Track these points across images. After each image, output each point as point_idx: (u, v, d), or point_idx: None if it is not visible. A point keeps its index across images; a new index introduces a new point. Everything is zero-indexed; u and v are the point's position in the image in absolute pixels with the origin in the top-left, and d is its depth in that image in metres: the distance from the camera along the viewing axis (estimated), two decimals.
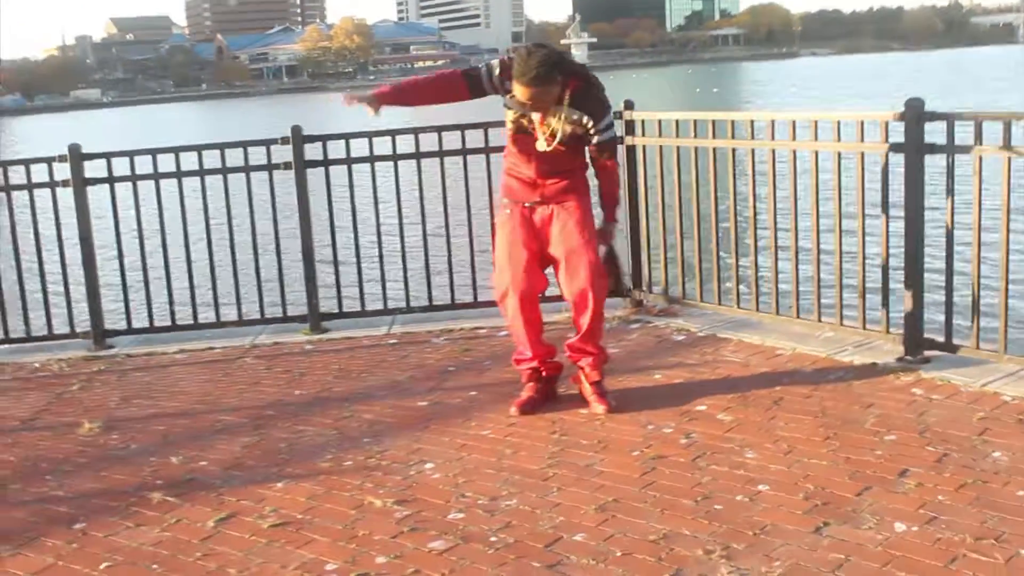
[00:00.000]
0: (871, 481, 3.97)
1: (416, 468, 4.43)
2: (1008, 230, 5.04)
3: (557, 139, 4.84)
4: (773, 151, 5.94)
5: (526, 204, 5.00)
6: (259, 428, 5.08)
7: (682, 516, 3.79)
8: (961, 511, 3.68)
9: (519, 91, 4.74)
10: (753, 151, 6.09)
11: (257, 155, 6.69)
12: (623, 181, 6.63)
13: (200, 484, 4.44)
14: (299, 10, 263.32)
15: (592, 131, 4.89)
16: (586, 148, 5.00)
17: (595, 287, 4.91)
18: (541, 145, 4.88)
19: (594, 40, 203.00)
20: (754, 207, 6.10)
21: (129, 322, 7.05)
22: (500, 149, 6.16)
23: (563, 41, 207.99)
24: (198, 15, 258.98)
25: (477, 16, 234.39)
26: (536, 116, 4.85)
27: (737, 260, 6.42)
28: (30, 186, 6.82)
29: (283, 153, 6.67)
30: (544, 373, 5.16)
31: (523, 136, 4.94)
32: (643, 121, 6.66)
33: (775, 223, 6.06)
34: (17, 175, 6.87)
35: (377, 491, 4.21)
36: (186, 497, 4.30)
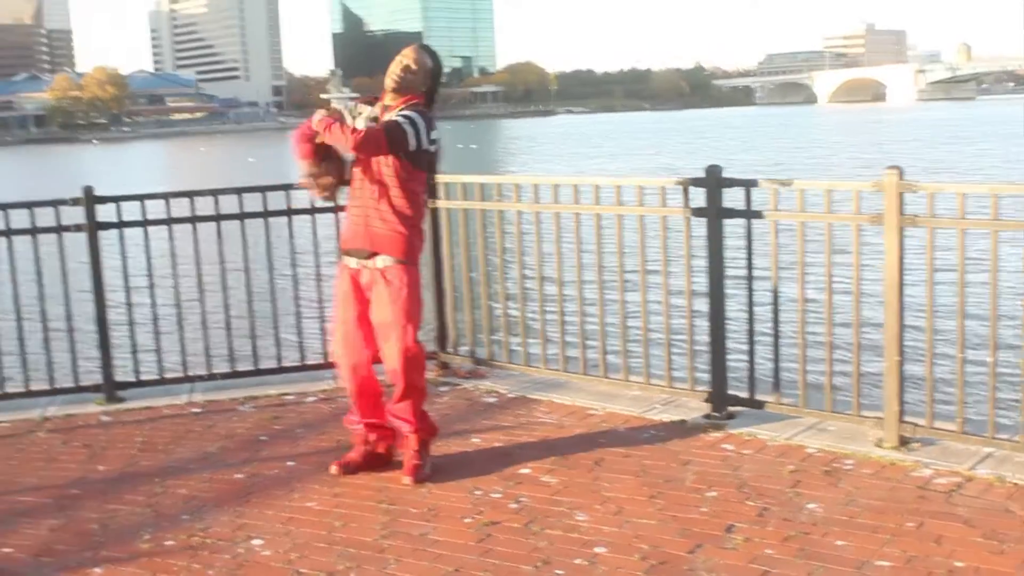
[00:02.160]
0: (701, 538, 4.11)
1: (244, 545, 4.27)
2: (802, 287, 5.35)
3: (364, 116, 4.90)
4: (578, 215, 6.13)
5: (351, 265, 4.95)
6: (64, 509, 4.78)
7: None
8: (789, 563, 3.86)
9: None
10: (559, 214, 6.24)
11: (45, 216, 6.35)
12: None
13: (10, 574, 4.13)
14: (47, 57, 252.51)
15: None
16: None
17: (410, 362, 4.92)
18: (360, 123, 4.86)
19: (356, 95, 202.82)
20: (559, 268, 6.25)
21: None
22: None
23: (323, 95, 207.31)
24: None
25: (236, 68, 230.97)
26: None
27: (544, 321, 6.54)
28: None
29: (73, 214, 6.37)
30: (373, 438, 5.07)
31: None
32: (447, 184, 6.72)
33: (580, 284, 6.22)
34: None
35: (206, 572, 4.03)
36: None
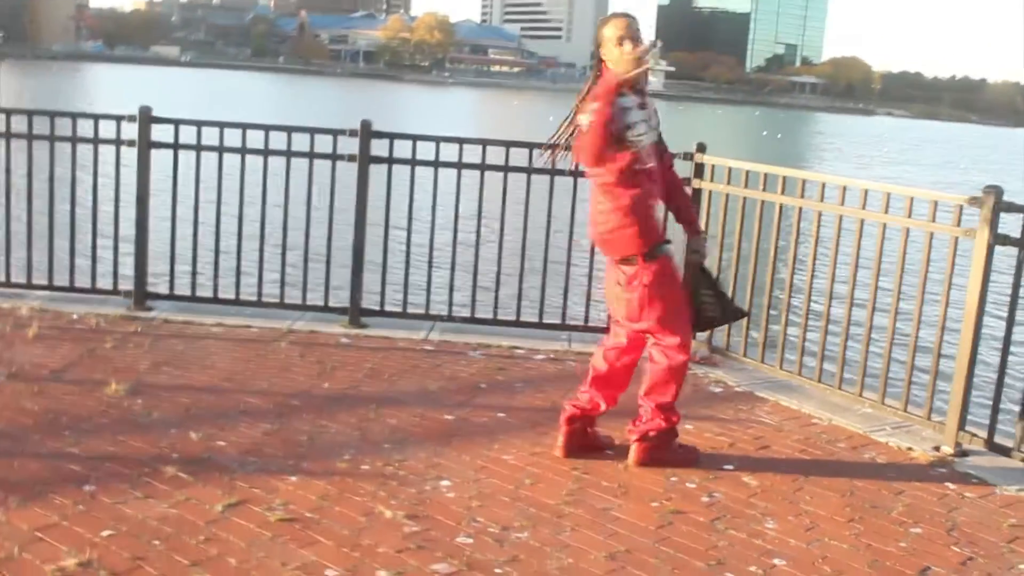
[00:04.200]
0: (890, 574, 3.86)
1: (432, 484, 4.37)
2: None
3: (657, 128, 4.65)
4: (840, 217, 5.85)
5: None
6: (282, 416, 5.05)
7: None
8: None
9: (620, 24, 4.53)
10: (820, 213, 5.98)
11: (323, 143, 6.67)
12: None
13: (215, 464, 4.41)
14: None
15: (656, 122, 4.70)
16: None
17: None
18: (652, 136, 4.58)
19: (672, 69, 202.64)
20: (812, 270, 6.01)
21: (172, 287, 7.05)
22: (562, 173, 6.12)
23: None
24: None
25: (559, 28, 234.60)
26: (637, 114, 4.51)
27: (786, 321, 6.31)
28: (96, 141, 6.84)
29: (349, 145, 6.66)
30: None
31: (637, 154, 4.52)
32: (713, 166, 6.57)
33: (831, 290, 5.95)
34: (85, 128, 6.89)
35: (390, 501, 4.15)
36: (199, 476, 4.27)
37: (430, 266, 6.96)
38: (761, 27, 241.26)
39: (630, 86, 4.45)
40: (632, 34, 4.48)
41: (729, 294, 5.07)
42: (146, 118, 6.79)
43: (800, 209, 6.11)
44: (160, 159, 6.86)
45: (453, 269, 6.80)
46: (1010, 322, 5.10)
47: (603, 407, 4.80)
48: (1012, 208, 5.06)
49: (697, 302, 4.84)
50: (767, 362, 6.28)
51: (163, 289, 7.09)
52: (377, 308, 6.87)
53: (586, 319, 6.84)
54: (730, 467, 4.82)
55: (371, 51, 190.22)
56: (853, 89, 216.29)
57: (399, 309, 6.91)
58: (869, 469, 4.92)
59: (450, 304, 6.81)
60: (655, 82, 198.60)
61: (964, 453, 5.17)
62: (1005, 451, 5.11)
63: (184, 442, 4.63)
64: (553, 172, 6.48)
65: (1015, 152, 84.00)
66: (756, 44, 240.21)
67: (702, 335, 6.58)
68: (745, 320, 6.32)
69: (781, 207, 6.19)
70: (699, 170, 6.62)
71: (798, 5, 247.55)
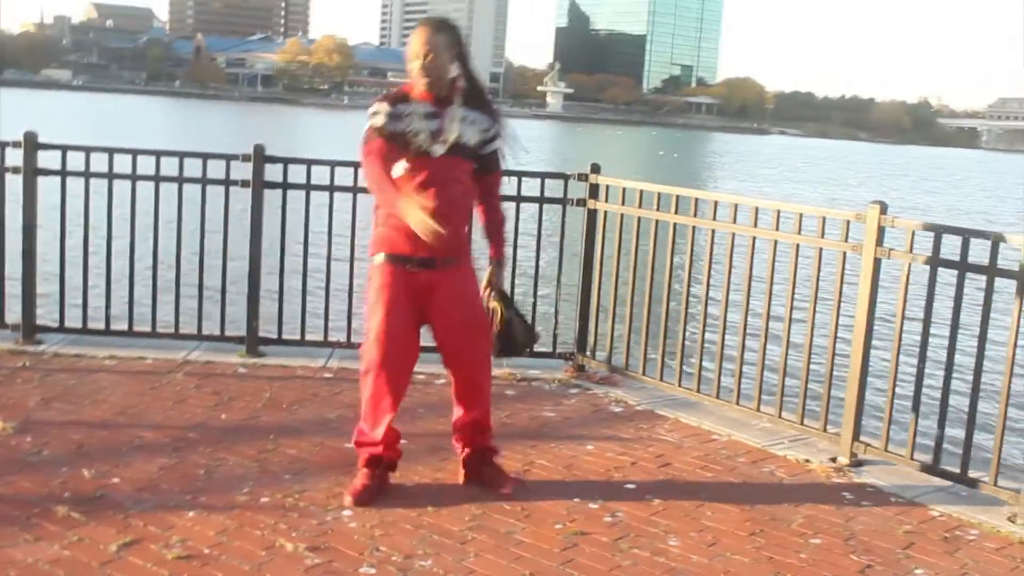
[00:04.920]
0: None
1: (333, 514, 4.31)
2: (983, 346, 5.00)
3: (452, 137, 4.34)
4: (733, 235, 5.95)
5: (407, 266, 4.44)
6: (179, 450, 4.93)
7: None
8: None
9: (414, 41, 4.34)
10: (713, 232, 6.07)
11: (217, 169, 6.57)
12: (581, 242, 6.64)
13: (109, 502, 4.29)
14: (283, 21, 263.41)
15: (484, 136, 4.45)
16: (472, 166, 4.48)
17: (487, 381, 4.69)
18: (438, 149, 4.32)
19: (571, 91, 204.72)
20: (707, 287, 6.10)
21: (62, 320, 6.85)
22: None
23: (540, 87, 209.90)
24: (181, 12, 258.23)
25: None
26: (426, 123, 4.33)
27: (683, 338, 6.38)
28: None
29: (243, 170, 6.57)
30: (385, 459, 4.59)
31: (418, 159, 4.33)
32: (607, 187, 6.63)
33: (726, 307, 6.05)
34: None
35: (291, 533, 4.08)
36: (92, 515, 4.15)
37: (327, 292, 6.89)
38: (657, 48, 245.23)
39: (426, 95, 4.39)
40: (419, 50, 4.34)
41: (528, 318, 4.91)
42: (32, 144, 6.61)
43: (694, 228, 6.20)
44: (47, 186, 6.68)
45: (351, 295, 6.72)
46: (899, 332, 5.22)
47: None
48: (896, 223, 5.20)
49: (506, 326, 4.68)
50: (666, 380, 6.34)
51: (53, 321, 6.89)
52: (275, 336, 6.76)
53: None
54: (632, 486, 4.84)
55: (269, 74, 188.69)
56: (747, 109, 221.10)
57: (297, 337, 6.82)
58: (769, 482, 4.99)
59: (349, 330, 6.74)
60: (553, 103, 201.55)
61: (859, 463, 5.27)
62: (898, 460, 5.23)
63: (76, 480, 4.50)
64: None
65: (901, 168, 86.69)
66: (652, 65, 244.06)
67: (602, 355, 6.64)
68: (644, 338, 6.42)
69: (675, 226, 6.27)
70: (594, 191, 6.68)
71: (692, 27, 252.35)
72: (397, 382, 4.55)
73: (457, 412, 4.74)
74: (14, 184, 6.61)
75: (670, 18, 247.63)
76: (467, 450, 4.75)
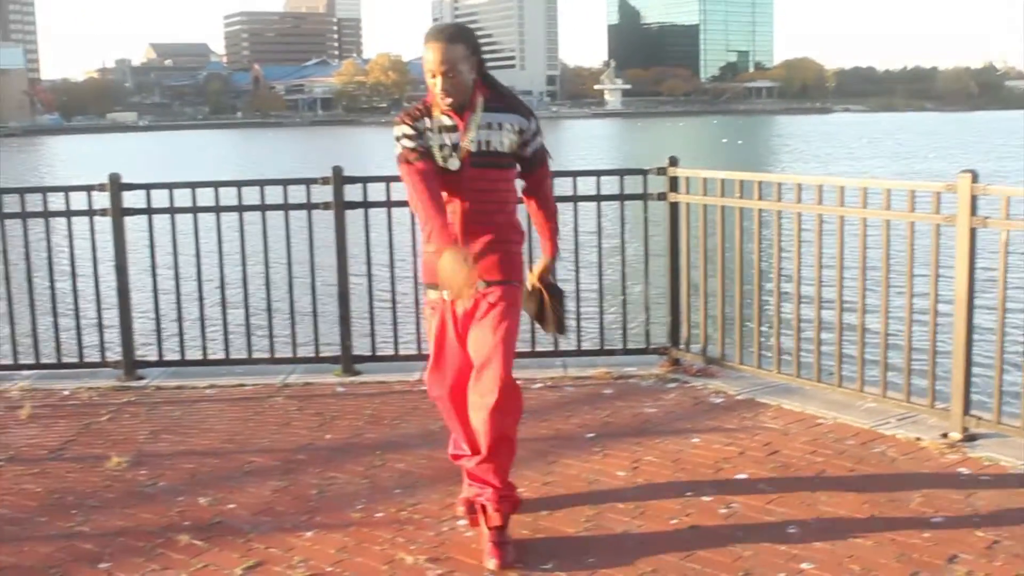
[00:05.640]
0: (918, 565, 3.85)
1: (448, 524, 4.33)
2: None
3: (471, 138, 4.03)
4: (820, 216, 5.87)
5: (445, 296, 4.10)
6: (289, 472, 5.00)
7: None
8: None
9: (429, 58, 4.04)
10: (799, 215, 6.00)
11: (297, 193, 6.65)
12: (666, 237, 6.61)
13: (228, 528, 4.36)
14: (336, 44, 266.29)
15: (521, 138, 4.10)
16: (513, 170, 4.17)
17: (502, 408, 3.95)
18: (454, 163, 4.03)
19: (628, 87, 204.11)
20: (798, 271, 6.02)
21: (160, 354, 7.00)
22: None
23: (597, 86, 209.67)
24: (236, 44, 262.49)
25: (512, 58, 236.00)
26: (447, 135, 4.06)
27: (779, 324, 6.31)
28: (68, 213, 6.80)
29: (323, 193, 6.64)
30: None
31: (444, 176, 4.05)
32: (687, 179, 6.59)
33: (819, 289, 5.96)
34: (56, 201, 6.86)
35: (409, 546, 4.11)
36: (214, 541, 4.22)
37: (416, 305, 6.92)
38: (711, 37, 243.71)
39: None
40: (433, 69, 4.06)
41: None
42: (117, 185, 6.76)
43: (779, 212, 6.13)
44: (134, 225, 6.81)
45: None
46: (1002, 302, 5.12)
47: None
48: (988, 191, 5.10)
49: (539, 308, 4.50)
50: (764, 367, 6.28)
51: (151, 356, 7.03)
52: (368, 354, 6.83)
53: (579, 344, 6.82)
54: (743, 476, 4.80)
55: (328, 97, 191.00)
56: (808, 89, 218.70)
57: (391, 352, 6.87)
58: (882, 464, 4.91)
59: None
60: (612, 101, 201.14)
61: (972, 437, 5.17)
62: (1012, 431, 5.11)
63: (194, 508, 4.58)
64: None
65: (975, 135, 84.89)
66: (708, 54, 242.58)
67: (696, 347, 6.59)
68: (738, 327, 6.36)
69: (760, 212, 6.21)
70: (673, 183, 6.64)
71: (745, 12, 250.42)
72: (464, 406, 4.16)
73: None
74: (102, 225, 6.76)
75: (722, 5, 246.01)
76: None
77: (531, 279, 4.45)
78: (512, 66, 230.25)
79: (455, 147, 4.04)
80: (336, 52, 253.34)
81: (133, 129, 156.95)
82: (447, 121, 4.07)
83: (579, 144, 78.39)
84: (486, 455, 4.03)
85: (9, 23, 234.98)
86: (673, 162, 6.65)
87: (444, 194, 4.03)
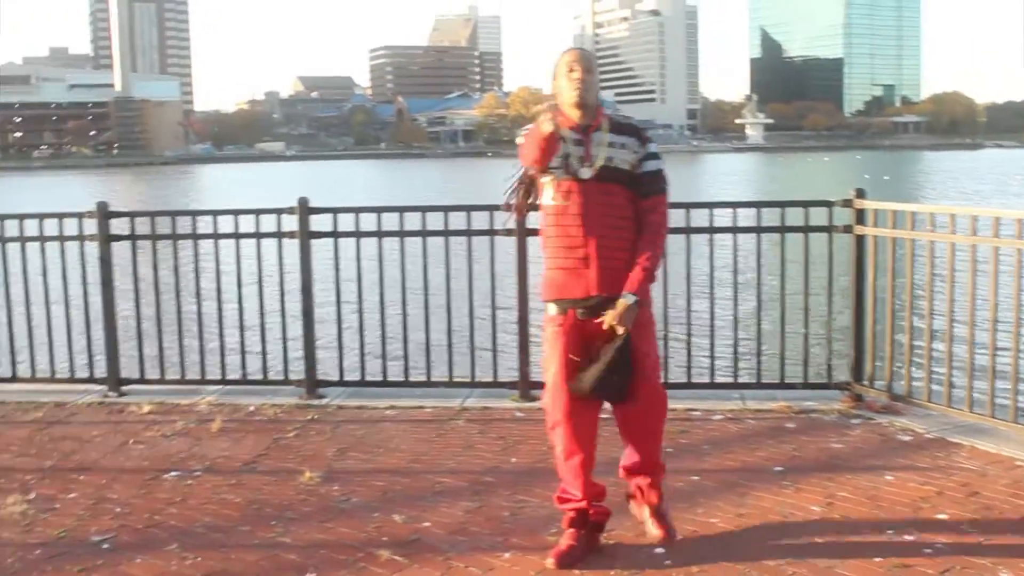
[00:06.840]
0: None
1: (647, 552, 4.30)
2: None
3: (601, 161, 4.16)
4: (1020, 251, 5.68)
5: (576, 310, 4.24)
6: (479, 494, 5.04)
7: None
8: None
9: (567, 59, 4.22)
10: (997, 248, 5.82)
11: (480, 219, 6.74)
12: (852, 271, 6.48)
13: (426, 546, 4.42)
14: (478, 77, 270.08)
15: (636, 156, 4.22)
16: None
17: (659, 414, 4.41)
18: (585, 172, 4.16)
19: (770, 121, 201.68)
20: (994, 306, 5.83)
21: (341, 373, 7.16)
22: None
23: (738, 120, 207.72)
24: (380, 77, 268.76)
25: (653, 91, 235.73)
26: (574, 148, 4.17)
27: (972, 361, 6.11)
28: (258, 235, 7.03)
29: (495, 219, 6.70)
30: (591, 517, 4.41)
31: (569, 183, 4.18)
32: (875, 211, 6.46)
33: (1018, 326, 5.76)
34: (245, 224, 7.10)
35: (607, 572, 4.10)
36: (413, 557, 4.28)
37: None
38: (856, 71, 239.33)
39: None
40: (572, 65, 4.23)
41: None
42: (305, 209, 6.96)
43: (974, 247, 5.96)
44: (317, 247, 7.01)
45: None
46: None
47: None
48: None
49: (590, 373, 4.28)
50: (955, 406, 6.08)
51: (332, 375, 7.19)
52: (541, 380, 6.84)
53: (758, 377, 6.74)
54: (943, 516, 4.65)
55: (470, 129, 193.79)
56: (957, 124, 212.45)
57: None
58: None
59: None
60: (754, 135, 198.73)
61: None
62: None
63: (390, 525, 4.65)
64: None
65: None
66: (852, 88, 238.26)
67: (880, 383, 6.43)
68: (927, 363, 6.18)
69: (954, 246, 6.03)
70: (860, 216, 6.52)
71: (892, 45, 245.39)
72: (585, 433, 4.32)
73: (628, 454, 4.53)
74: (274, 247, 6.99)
75: (867, 39, 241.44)
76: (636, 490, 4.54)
77: (608, 318, 4.17)
78: (652, 99, 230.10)
79: (582, 158, 4.19)
80: (478, 85, 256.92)
81: (281, 158, 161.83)
82: (574, 135, 4.21)
83: (719, 179, 77.64)
84: (648, 458, 4.45)
85: (168, 56, 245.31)
86: (860, 194, 6.53)
87: (569, 203, 4.18)
